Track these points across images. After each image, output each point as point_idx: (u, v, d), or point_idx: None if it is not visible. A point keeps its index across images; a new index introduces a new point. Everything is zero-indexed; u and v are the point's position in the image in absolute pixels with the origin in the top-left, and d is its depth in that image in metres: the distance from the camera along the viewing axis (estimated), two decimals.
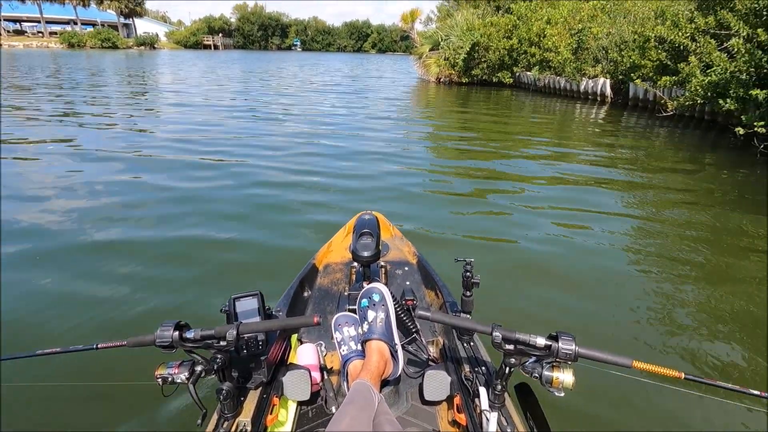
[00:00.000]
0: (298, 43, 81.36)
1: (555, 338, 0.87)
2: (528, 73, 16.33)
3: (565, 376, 0.88)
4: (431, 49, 19.70)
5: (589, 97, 13.61)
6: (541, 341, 0.88)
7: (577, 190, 4.89)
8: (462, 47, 16.41)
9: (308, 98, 13.15)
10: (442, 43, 18.26)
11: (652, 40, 10.37)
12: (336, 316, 1.33)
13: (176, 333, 0.91)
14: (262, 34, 79.01)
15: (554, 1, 16.86)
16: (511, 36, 16.28)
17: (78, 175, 4.85)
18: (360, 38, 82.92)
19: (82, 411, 1.72)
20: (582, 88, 13.67)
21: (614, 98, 12.92)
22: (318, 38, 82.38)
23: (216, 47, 69.39)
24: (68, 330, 2.20)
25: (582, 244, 3.48)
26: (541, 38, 15.07)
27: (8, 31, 55.20)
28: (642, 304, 2.61)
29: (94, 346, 0.97)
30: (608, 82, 12.78)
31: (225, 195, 4.32)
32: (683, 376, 0.85)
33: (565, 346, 0.85)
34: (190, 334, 0.93)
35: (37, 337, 2.14)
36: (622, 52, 12.06)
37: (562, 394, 0.87)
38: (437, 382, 1.15)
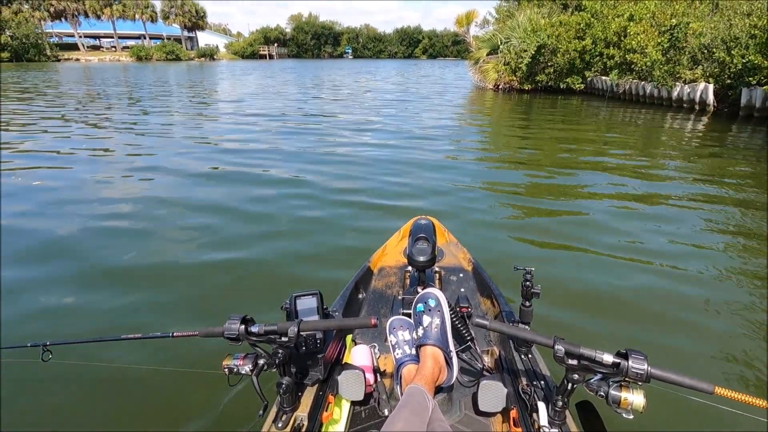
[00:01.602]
0: (350, 51, 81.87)
1: (624, 356, 0.83)
2: (604, 77, 14.23)
3: (635, 398, 0.83)
4: (489, 54, 18.01)
5: (684, 105, 11.38)
6: (608, 358, 0.83)
7: (669, 221, 4.04)
8: (526, 50, 14.61)
9: (358, 107, 12.43)
10: (501, 46, 16.54)
11: None
12: (391, 320, 1.34)
13: (242, 326, 0.97)
14: (315, 43, 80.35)
15: None
16: (584, 36, 14.27)
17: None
18: (411, 44, 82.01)
19: (154, 394, 1.85)
20: (675, 94, 11.47)
21: (719, 107, 10.65)
22: (369, 45, 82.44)
23: (271, 57, 71.29)
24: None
25: (662, 272, 3.05)
26: (622, 38, 12.99)
27: (86, 47, 59.93)
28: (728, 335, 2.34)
29: (170, 335, 1.07)
30: (711, 87, 10.55)
31: (285, 199, 4.50)
32: None
33: (636, 365, 0.80)
34: (254, 329, 0.98)
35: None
36: (732, 51, 9.85)
37: (631, 417, 0.83)
38: (492, 393, 1.10)
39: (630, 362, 0.81)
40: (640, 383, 0.83)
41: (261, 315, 1.16)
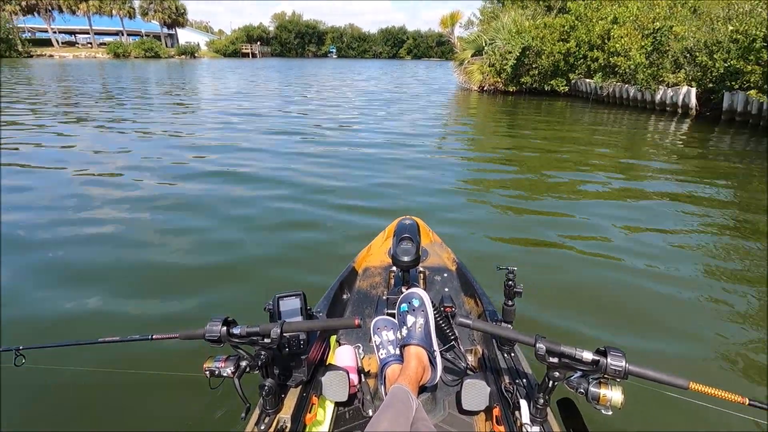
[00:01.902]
0: (334, 51, 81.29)
1: (603, 353, 0.84)
2: (588, 80, 14.24)
3: (614, 394, 0.85)
4: (473, 55, 17.91)
5: (667, 108, 11.42)
6: (588, 356, 0.85)
7: (650, 220, 4.09)
8: (511, 52, 14.52)
9: (341, 107, 12.26)
10: (486, 47, 16.45)
11: (760, 40, 8.25)
12: (375, 320, 1.32)
13: (224, 328, 0.96)
14: (299, 42, 79.47)
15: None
16: (568, 38, 14.26)
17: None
18: (395, 44, 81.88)
19: (133, 398, 1.84)
20: (658, 98, 11.51)
21: (701, 110, 10.71)
22: (354, 45, 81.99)
23: (254, 55, 70.21)
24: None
25: (642, 270, 3.10)
26: (606, 40, 13.00)
27: (60, 43, 57.97)
28: (706, 328, 2.41)
29: (150, 337, 1.05)
30: (693, 91, 10.59)
31: (266, 199, 4.44)
32: (747, 401, 0.81)
33: (615, 362, 0.82)
34: (236, 330, 0.97)
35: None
36: (715, 55, 9.89)
37: (610, 413, 0.84)
38: (476, 392, 1.11)
39: (609, 359, 0.83)
40: (618, 380, 0.85)
41: (242, 316, 1.08)
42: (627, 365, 0.82)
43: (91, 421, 1.75)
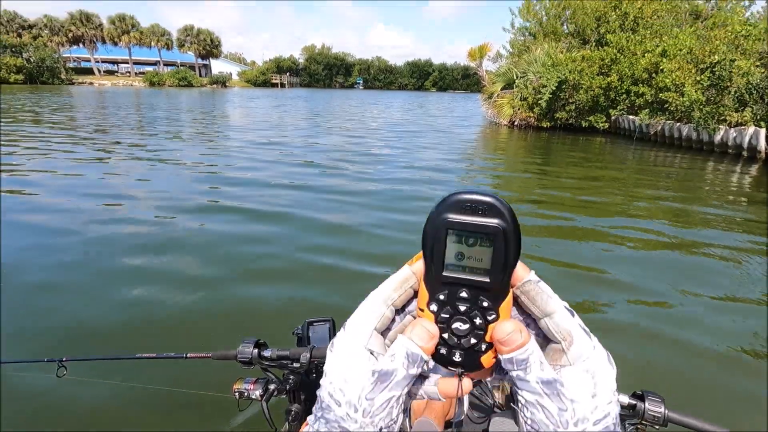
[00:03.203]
0: (360, 82, 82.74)
1: (641, 397, 0.80)
2: (631, 117, 13.03)
3: None
4: (503, 88, 17.03)
5: (729, 150, 10.05)
6: (623, 399, 0.81)
7: (707, 275, 3.64)
8: (546, 86, 13.52)
9: (364, 142, 11.67)
10: (517, 81, 15.55)
11: None
12: None
13: (256, 350, 0.97)
14: (326, 73, 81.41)
15: (663, 33, 13.65)
16: (609, 72, 13.17)
17: None
18: (421, 77, 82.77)
19: (165, 414, 1.93)
20: (718, 138, 10.17)
21: None
22: (380, 77, 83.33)
23: (282, 85, 72.07)
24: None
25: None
26: (653, 74, 11.85)
27: (101, 71, 61.02)
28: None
29: (184, 355, 1.08)
30: (763, 132, 9.24)
31: (295, 230, 4.47)
32: None
33: (653, 407, 0.78)
34: (267, 353, 0.98)
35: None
36: None
37: None
38: (504, 430, 1.05)
39: (647, 404, 0.79)
40: (657, 426, 0.80)
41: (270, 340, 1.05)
42: (666, 411, 0.77)
43: None
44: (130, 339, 2.52)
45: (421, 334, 0.32)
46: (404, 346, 0.31)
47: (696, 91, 10.11)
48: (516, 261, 0.31)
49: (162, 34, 59.44)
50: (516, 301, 0.33)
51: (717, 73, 10.04)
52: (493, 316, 0.31)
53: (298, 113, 20.63)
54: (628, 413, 0.81)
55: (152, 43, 58.93)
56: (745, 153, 9.69)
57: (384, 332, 0.34)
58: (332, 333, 1.13)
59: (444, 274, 0.31)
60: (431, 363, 0.33)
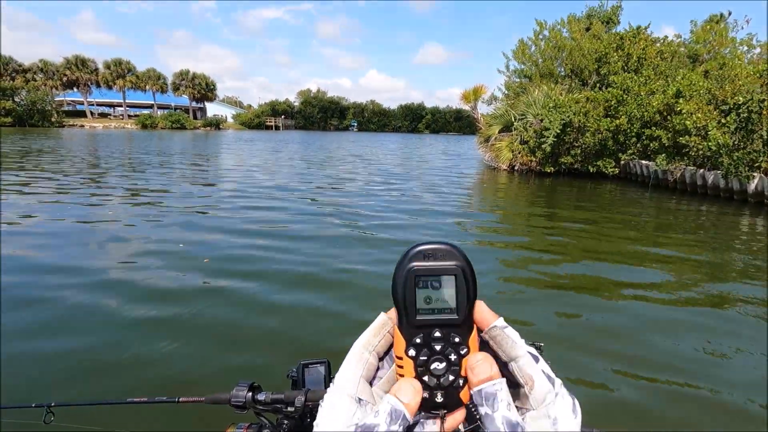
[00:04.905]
0: (355, 124, 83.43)
1: None
2: (644, 162, 11.87)
3: None
4: (501, 131, 16.04)
5: (766, 201, 8.77)
6: None
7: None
8: (549, 128, 12.43)
9: (361, 186, 10.96)
10: (516, 123, 14.55)
11: None
12: None
13: (250, 394, 0.94)
14: (321, 116, 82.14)
15: (668, 75, 12.83)
16: (616, 114, 12.15)
17: None
18: (414, 119, 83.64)
19: None
20: (752, 187, 8.91)
21: None
22: (374, 119, 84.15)
23: (277, 128, 72.23)
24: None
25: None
26: (667, 116, 10.79)
27: (96, 114, 60.90)
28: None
29: (176, 399, 1.04)
30: None
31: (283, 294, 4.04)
32: None
33: None
34: (261, 396, 0.95)
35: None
36: None
37: None
38: None
39: None
40: None
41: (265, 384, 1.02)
42: None
43: None
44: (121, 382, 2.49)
45: (406, 390, 0.33)
46: (389, 402, 0.33)
47: (724, 135, 8.95)
48: (475, 295, 0.35)
49: (157, 78, 59.84)
50: (486, 346, 0.36)
51: (743, 114, 8.93)
52: (465, 350, 0.34)
53: (292, 156, 19.48)
54: None
55: (147, 87, 59.19)
56: None
57: (372, 380, 0.36)
58: (328, 375, 1.08)
59: (417, 318, 0.34)
60: (411, 421, 0.34)
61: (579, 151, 12.97)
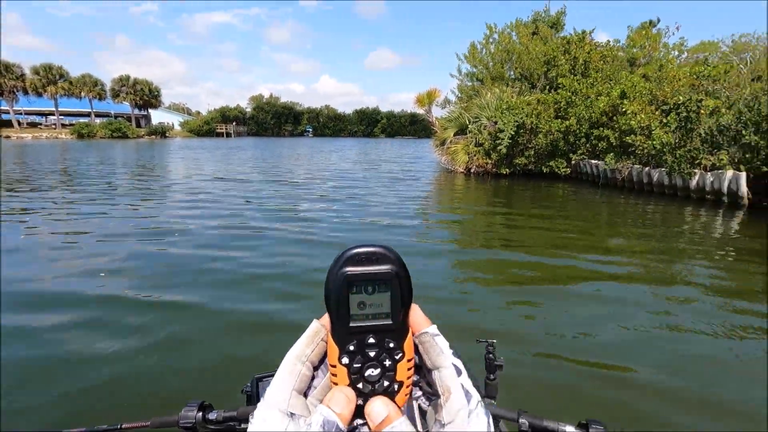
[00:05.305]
0: (310, 130, 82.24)
1: (585, 426, 0.81)
2: (594, 161, 12.22)
3: None
4: (456, 134, 16.08)
5: (707, 196, 9.18)
6: (570, 429, 0.81)
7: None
8: (503, 131, 12.53)
9: (310, 194, 10.52)
10: (470, 126, 14.62)
11: None
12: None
13: (200, 414, 0.88)
14: (275, 122, 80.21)
15: (612, 78, 13.36)
16: (567, 115, 12.45)
17: None
18: (370, 124, 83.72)
19: None
20: (694, 184, 9.32)
21: (753, 199, 8.47)
22: (329, 125, 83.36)
23: (228, 135, 69.68)
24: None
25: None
26: (613, 117, 11.15)
27: (25, 124, 55.91)
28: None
29: (119, 426, 0.96)
30: (743, 176, 8.43)
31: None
32: None
33: None
34: (213, 415, 0.89)
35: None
36: None
37: None
38: None
39: None
40: None
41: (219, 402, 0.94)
42: None
43: None
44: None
45: (339, 400, 0.33)
46: (322, 414, 0.32)
47: (666, 134, 9.30)
48: (410, 299, 0.34)
49: (94, 84, 55.86)
50: (416, 350, 0.35)
51: (682, 114, 9.34)
52: (400, 355, 0.34)
53: (243, 163, 18.53)
54: None
55: (83, 94, 55.10)
56: (725, 199, 8.82)
57: (307, 390, 0.35)
58: None
59: (351, 324, 0.33)
60: (345, 430, 0.33)
61: (532, 152, 13.19)
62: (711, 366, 2.96)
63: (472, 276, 4.97)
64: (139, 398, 2.45)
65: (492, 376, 1.20)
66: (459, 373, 0.34)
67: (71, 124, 55.54)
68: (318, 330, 0.35)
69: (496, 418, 1.03)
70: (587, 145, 12.37)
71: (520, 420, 0.85)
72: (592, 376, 2.74)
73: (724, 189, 8.78)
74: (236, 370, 2.73)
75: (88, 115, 58.69)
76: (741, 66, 13.47)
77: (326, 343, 0.35)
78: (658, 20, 19.44)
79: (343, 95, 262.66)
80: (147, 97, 59.85)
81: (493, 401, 1.17)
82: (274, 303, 3.87)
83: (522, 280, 4.71)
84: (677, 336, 3.38)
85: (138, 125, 60.29)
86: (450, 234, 7.17)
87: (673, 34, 20.19)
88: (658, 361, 2.95)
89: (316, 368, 0.36)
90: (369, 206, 8.83)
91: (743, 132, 8.21)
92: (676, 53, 18.63)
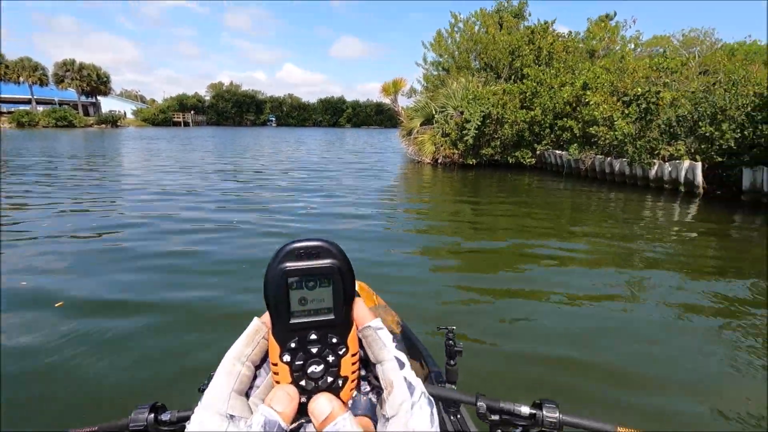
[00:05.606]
0: (274, 119, 80.00)
1: (539, 406, 0.83)
2: (558, 152, 12.38)
3: None
4: (422, 124, 15.90)
5: (665, 186, 9.47)
6: (525, 410, 0.84)
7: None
8: (470, 121, 12.43)
9: (272, 184, 10.17)
10: (437, 116, 14.47)
11: None
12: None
13: (151, 416, 0.82)
14: (236, 111, 77.40)
15: (574, 68, 13.53)
16: (532, 105, 12.51)
17: None
18: (335, 113, 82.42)
19: None
20: (653, 173, 9.57)
21: (709, 188, 8.80)
22: (293, 114, 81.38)
23: (186, 124, 66.63)
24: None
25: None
26: (576, 107, 11.29)
27: None
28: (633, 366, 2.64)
29: None
30: (699, 166, 8.72)
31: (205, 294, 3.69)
32: None
33: (549, 414, 0.82)
34: (166, 416, 0.83)
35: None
36: (722, 125, 8.12)
37: None
38: None
39: (544, 411, 0.82)
40: (555, 431, 0.83)
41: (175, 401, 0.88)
42: (561, 416, 0.80)
43: None
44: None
45: (281, 398, 0.32)
46: (262, 414, 0.31)
47: (627, 125, 9.48)
48: (353, 293, 0.34)
49: (34, 68, 51.65)
50: (360, 344, 0.35)
51: (642, 105, 9.54)
52: (344, 350, 0.33)
53: (204, 154, 17.55)
54: (530, 423, 0.82)
55: (21, 79, 50.84)
56: (682, 188, 9.12)
57: (249, 391, 0.34)
58: None
59: (291, 321, 0.33)
60: (287, 429, 0.33)
61: (498, 143, 13.21)
62: (663, 346, 3.04)
63: (437, 264, 4.96)
64: (86, 402, 2.28)
65: (452, 362, 1.21)
66: (402, 365, 0.34)
67: (9, 112, 51.23)
68: (258, 328, 0.34)
69: (456, 402, 1.05)
70: (552, 135, 12.51)
71: (478, 403, 0.85)
72: (547, 359, 2.78)
73: (681, 178, 9.07)
74: (191, 369, 2.57)
75: (28, 102, 54.28)
76: (690, 60, 14.01)
77: (267, 341, 0.34)
78: (615, 14, 19.98)
79: (308, 84, 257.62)
80: (95, 83, 56.01)
81: (453, 386, 1.21)
82: (234, 295, 3.67)
83: (486, 267, 4.78)
84: (632, 317, 3.50)
85: (86, 113, 56.45)
86: (416, 224, 7.02)
87: (630, 27, 20.81)
88: (610, 344, 3.05)
89: (258, 367, 0.34)
90: (335, 197, 8.53)
91: (700, 123, 8.45)
92: (632, 46, 19.21)
